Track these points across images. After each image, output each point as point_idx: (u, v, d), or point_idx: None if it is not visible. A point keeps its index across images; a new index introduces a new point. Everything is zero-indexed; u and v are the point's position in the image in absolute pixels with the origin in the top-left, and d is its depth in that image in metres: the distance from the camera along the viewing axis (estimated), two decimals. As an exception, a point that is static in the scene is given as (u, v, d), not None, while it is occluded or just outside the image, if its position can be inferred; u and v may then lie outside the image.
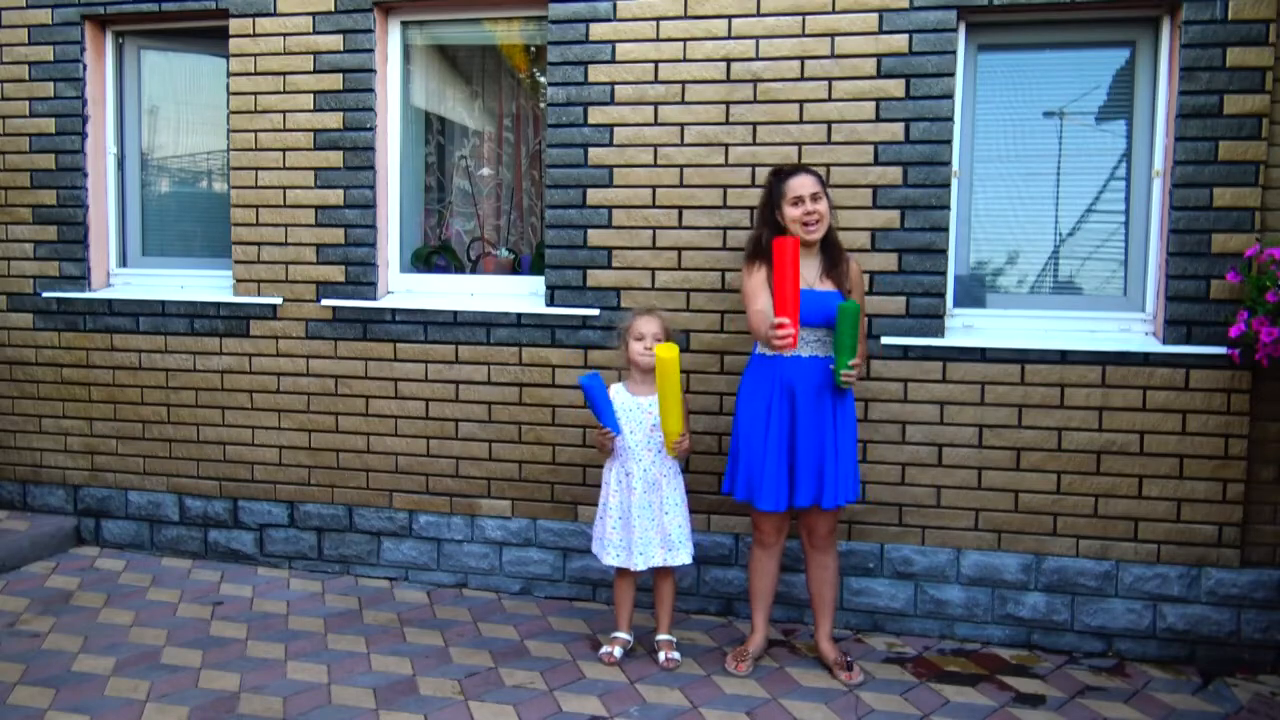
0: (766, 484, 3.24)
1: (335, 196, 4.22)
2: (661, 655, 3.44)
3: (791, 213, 3.23)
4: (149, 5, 4.37)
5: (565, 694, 3.18)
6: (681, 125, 3.86)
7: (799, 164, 3.54)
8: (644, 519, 3.36)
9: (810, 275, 3.27)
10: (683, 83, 3.85)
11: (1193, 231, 3.52)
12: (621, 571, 3.48)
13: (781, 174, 3.31)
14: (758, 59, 3.77)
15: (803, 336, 3.20)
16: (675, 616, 3.86)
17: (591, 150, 3.95)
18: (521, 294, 4.21)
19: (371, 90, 4.16)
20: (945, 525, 3.74)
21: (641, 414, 3.40)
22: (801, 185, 3.24)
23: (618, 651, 3.44)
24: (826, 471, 3.21)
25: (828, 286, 3.27)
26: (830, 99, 3.73)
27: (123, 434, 4.53)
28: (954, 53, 3.65)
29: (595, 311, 3.95)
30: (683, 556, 3.38)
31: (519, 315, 4.07)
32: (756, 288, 3.28)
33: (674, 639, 3.51)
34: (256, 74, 4.26)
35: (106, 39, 4.57)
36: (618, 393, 3.45)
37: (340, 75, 4.17)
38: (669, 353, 3.16)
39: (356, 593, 4.10)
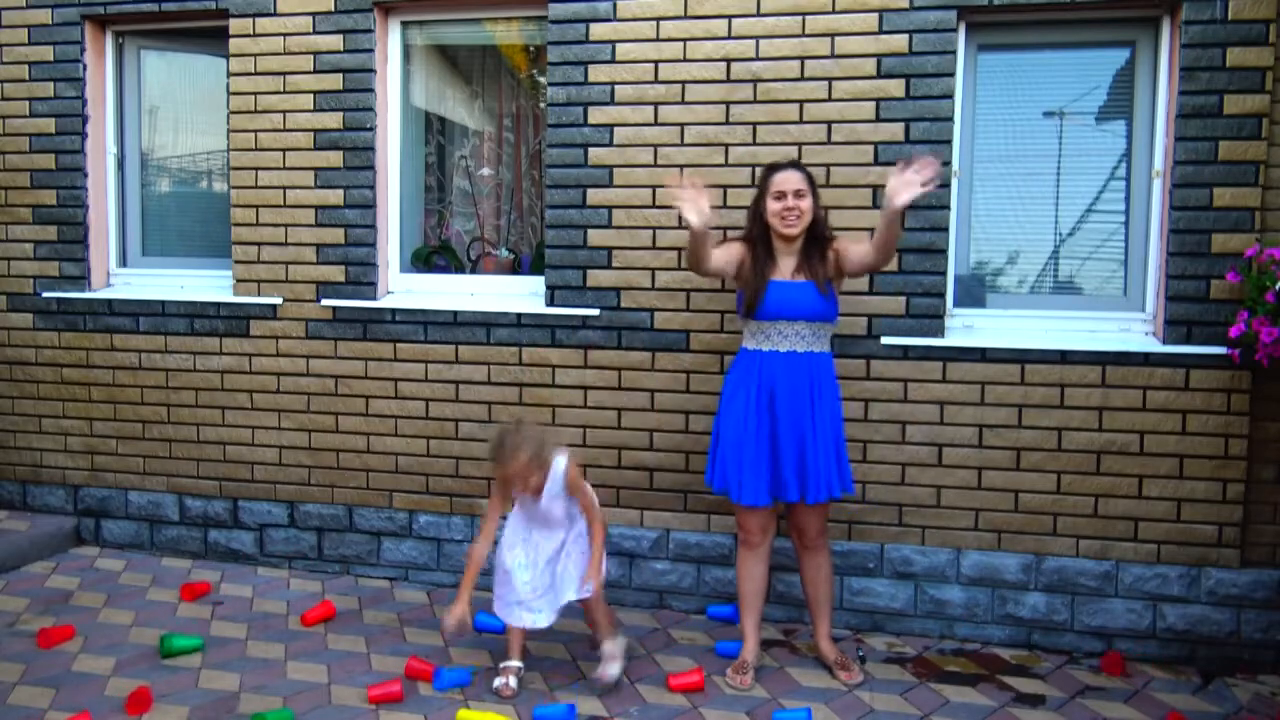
0: (746, 479, 3.25)
1: (335, 196, 4.22)
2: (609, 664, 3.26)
3: (772, 206, 3.23)
4: (149, 5, 4.37)
5: (565, 694, 3.18)
6: (681, 125, 3.86)
7: (792, 160, 3.46)
8: (556, 567, 3.24)
9: (786, 269, 3.28)
10: (683, 83, 3.85)
11: (1193, 231, 3.52)
12: None
13: (772, 168, 3.32)
14: (758, 59, 3.77)
15: (780, 330, 3.23)
16: (675, 616, 3.87)
17: (591, 150, 3.95)
18: (521, 294, 4.21)
19: (371, 90, 4.16)
20: (945, 525, 3.74)
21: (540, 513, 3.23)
22: (785, 180, 3.22)
23: (513, 681, 3.18)
24: (809, 467, 3.21)
25: (801, 278, 3.26)
26: (830, 99, 3.73)
27: (123, 434, 4.53)
28: (954, 53, 3.64)
29: (595, 311, 3.95)
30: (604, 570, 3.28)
31: (519, 315, 4.06)
32: (725, 248, 3.33)
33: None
34: (256, 74, 4.26)
35: (106, 39, 4.57)
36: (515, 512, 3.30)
37: (340, 75, 4.17)
38: None
39: (356, 593, 4.10)
